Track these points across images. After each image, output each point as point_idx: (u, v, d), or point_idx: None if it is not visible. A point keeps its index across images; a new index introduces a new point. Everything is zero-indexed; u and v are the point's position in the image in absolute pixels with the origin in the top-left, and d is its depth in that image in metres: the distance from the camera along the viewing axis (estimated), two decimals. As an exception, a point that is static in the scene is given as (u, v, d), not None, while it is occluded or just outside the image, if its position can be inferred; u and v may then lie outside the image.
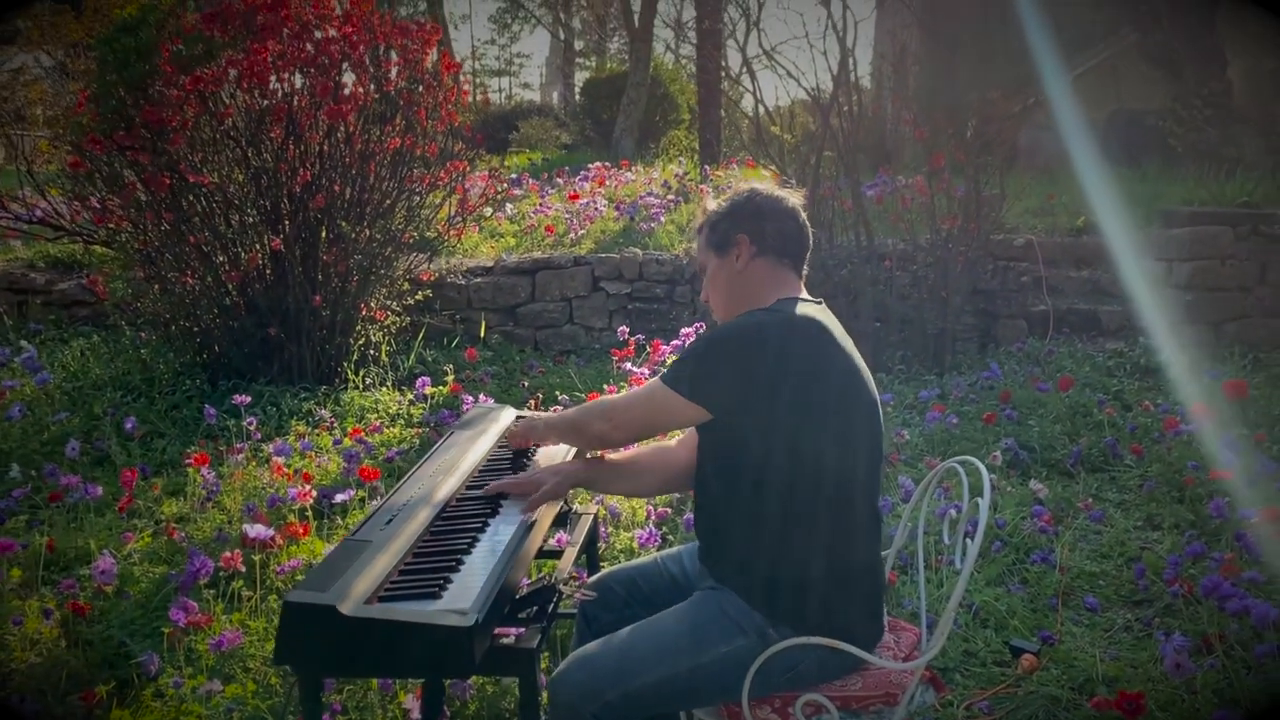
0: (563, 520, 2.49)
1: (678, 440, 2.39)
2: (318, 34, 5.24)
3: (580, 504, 2.63)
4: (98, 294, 5.83)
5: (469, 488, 2.26)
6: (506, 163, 11.36)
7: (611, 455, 2.36)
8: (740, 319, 2.04)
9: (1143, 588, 3.51)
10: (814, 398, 1.94)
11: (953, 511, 2.45)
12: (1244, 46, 11.41)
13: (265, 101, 5.11)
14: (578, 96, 21.98)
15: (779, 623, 1.94)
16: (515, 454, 2.43)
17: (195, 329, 5.56)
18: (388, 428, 4.97)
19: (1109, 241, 7.27)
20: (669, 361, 5.56)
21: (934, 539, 3.23)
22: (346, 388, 5.47)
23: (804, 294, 2.16)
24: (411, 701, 2.44)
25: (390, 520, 2.02)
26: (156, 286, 5.50)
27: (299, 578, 3.18)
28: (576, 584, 2.15)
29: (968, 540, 2.04)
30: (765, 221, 2.14)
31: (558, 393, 5.51)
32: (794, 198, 2.20)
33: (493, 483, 2.22)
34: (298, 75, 5.18)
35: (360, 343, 5.75)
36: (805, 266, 2.20)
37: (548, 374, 6.15)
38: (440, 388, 5.34)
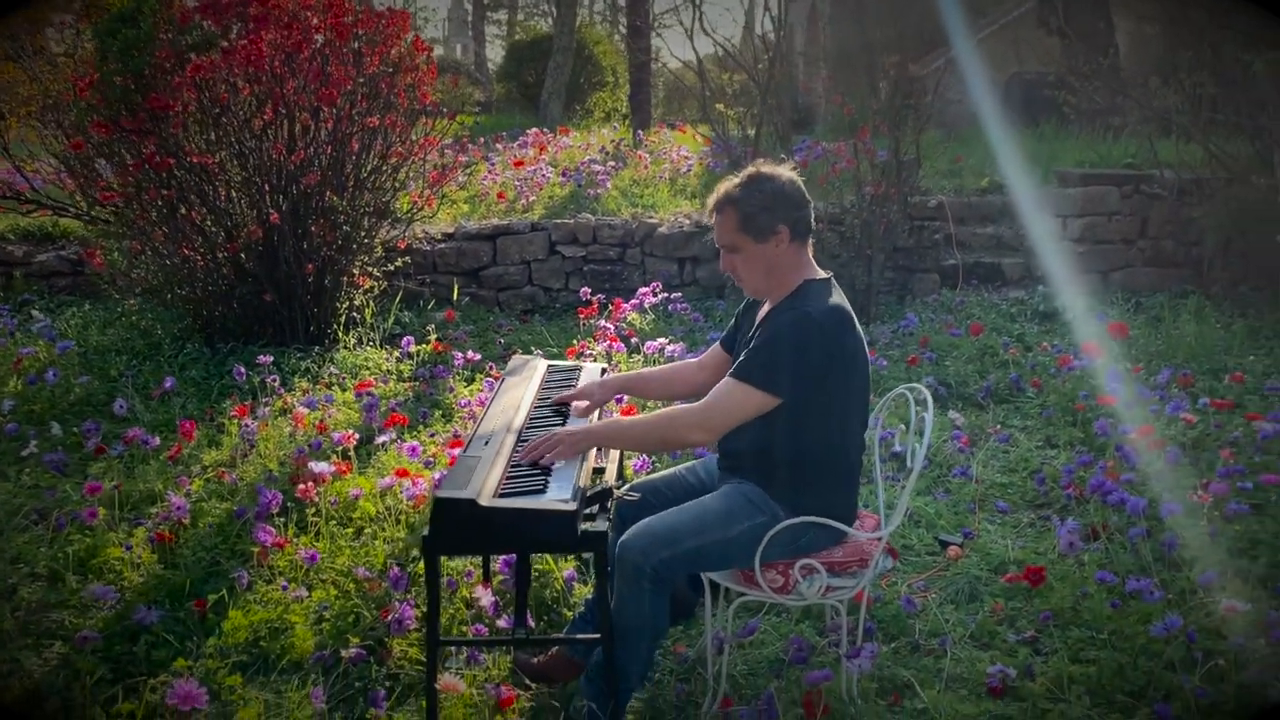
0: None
1: (698, 363, 3.03)
2: (304, 21, 5.68)
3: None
4: (94, 265, 6.23)
5: (532, 419, 2.90)
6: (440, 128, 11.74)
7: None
8: (791, 317, 2.58)
9: (1043, 493, 4.30)
10: (846, 377, 2.62)
11: (901, 426, 3.16)
12: (1130, 9, 12.29)
13: (259, 87, 5.56)
14: (499, 59, 22.18)
15: (785, 505, 2.62)
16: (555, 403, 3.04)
17: (192, 296, 6.02)
18: (381, 384, 5.52)
19: (1011, 200, 8.12)
20: (629, 318, 6.27)
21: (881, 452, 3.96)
22: (338, 348, 6.00)
23: (816, 269, 2.73)
24: (480, 590, 3.06)
25: (487, 442, 2.64)
26: (150, 257, 5.93)
27: (357, 505, 3.78)
28: (623, 488, 2.80)
29: (917, 444, 2.76)
30: (797, 210, 2.65)
31: (532, 347, 6.12)
32: (799, 179, 2.69)
33: (529, 443, 2.64)
34: (288, 61, 5.62)
35: (345, 306, 6.26)
36: None
37: (517, 331, 6.74)
38: (424, 346, 5.90)
